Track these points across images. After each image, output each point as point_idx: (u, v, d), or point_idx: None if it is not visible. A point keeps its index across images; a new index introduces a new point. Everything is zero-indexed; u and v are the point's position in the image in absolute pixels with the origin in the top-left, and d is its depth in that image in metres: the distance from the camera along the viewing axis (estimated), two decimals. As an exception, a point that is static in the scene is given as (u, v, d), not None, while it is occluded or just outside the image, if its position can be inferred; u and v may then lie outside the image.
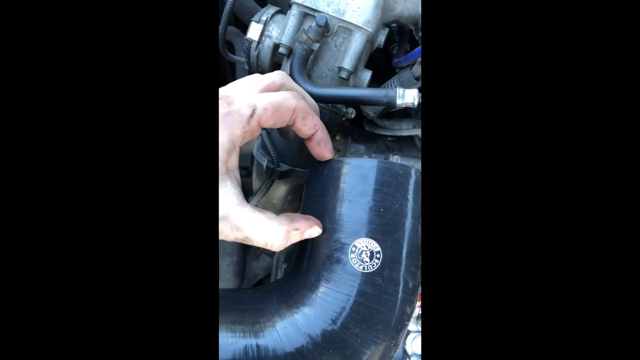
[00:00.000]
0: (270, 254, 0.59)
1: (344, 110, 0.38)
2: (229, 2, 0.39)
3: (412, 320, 0.44)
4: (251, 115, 0.24)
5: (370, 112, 0.44)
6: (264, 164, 0.38)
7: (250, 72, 0.40)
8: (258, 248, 0.62)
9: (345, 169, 0.27)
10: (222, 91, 0.26)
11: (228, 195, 0.23)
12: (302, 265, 0.27)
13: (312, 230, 0.26)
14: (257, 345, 0.24)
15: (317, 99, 0.32)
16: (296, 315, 0.25)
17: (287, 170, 0.38)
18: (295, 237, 0.25)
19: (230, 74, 0.63)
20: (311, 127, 0.26)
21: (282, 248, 0.25)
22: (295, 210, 0.46)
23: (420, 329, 0.42)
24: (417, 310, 0.42)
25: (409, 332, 0.43)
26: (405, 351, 0.44)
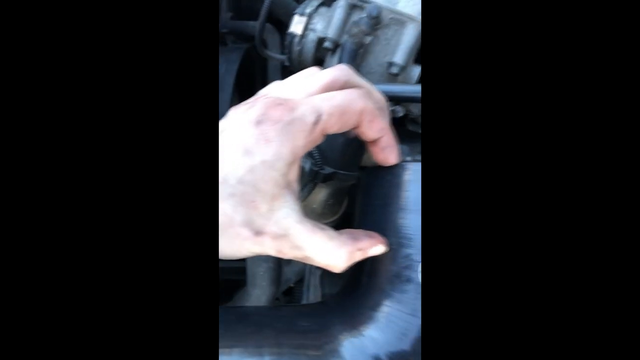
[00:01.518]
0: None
1: (392, 108, 0.36)
2: None
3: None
4: (315, 123, 0.20)
5: (415, 110, 0.41)
6: (307, 166, 0.35)
7: (292, 68, 0.38)
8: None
9: (411, 175, 0.24)
10: (280, 93, 0.23)
11: (288, 211, 0.20)
12: (361, 281, 0.24)
13: (376, 249, 0.23)
14: None
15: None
16: (362, 337, 0.22)
17: (331, 173, 0.36)
18: (359, 257, 0.22)
19: (259, 72, 0.61)
20: (378, 130, 0.23)
21: (344, 270, 0.22)
22: (334, 214, 0.44)
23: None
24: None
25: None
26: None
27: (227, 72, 0.49)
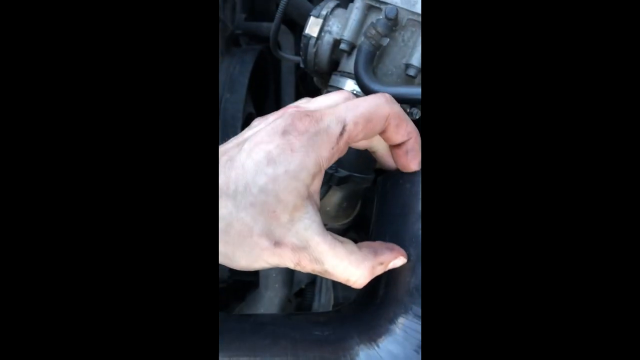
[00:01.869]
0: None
1: (408, 110, 0.35)
2: (283, 0, 0.36)
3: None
4: (341, 134, 0.20)
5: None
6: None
7: (307, 70, 0.37)
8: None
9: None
10: (307, 106, 0.22)
11: (309, 222, 0.20)
12: (378, 291, 0.23)
13: (397, 261, 0.22)
14: None
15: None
16: (381, 351, 0.21)
17: (346, 175, 0.35)
18: (379, 272, 0.22)
19: (272, 72, 0.61)
20: (404, 134, 0.22)
21: (364, 284, 0.21)
22: (347, 216, 0.43)
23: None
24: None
25: None
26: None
27: (241, 74, 0.49)
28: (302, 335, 0.22)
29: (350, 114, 0.20)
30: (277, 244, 0.19)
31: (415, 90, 0.29)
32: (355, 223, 0.50)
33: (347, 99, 0.23)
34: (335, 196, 0.39)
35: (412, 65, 0.32)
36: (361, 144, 0.25)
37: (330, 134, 0.20)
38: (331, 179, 0.34)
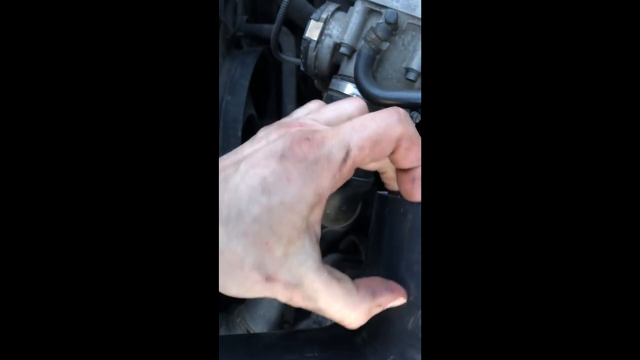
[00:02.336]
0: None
1: (409, 113, 0.35)
2: (284, 2, 0.36)
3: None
4: (344, 161, 0.18)
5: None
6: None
7: (307, 73, 0.38)
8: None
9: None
10: (312, 122, 0.20)
11: (304, 258, 0.18)
12: (381, 328, 0.22)
13: (395, 302, 0.21)
14: None
15: (387, 103, 0.29)
16: None
17: (345, 179, 0.35)
18: (376, 312, 0.21)
19: (274, 74, 0.61)
20: (414, 160, 0.20)
21: (360, 326, 0.20)
22: (347, 219, 0.43)
23: None
24: None
25: None
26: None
27: (242, 76, 0.49)
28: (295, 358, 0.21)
29: (356, 136, 0.18)
30: (269, 278, 0.18)
31: (415, 95, 0.29)
32: (355, 225, 0.50)
33: (359, 110, 0.22)
34: (335, 199, 0.39)
35: (412, 69, 0.32)
36: (369, 166, 0.24)
37: (331, 160, 0.18)
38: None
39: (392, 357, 0.21)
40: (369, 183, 0.38)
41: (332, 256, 0.54)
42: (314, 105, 0.23)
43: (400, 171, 0.22)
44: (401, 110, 0.20)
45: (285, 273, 0.18)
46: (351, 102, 0.22)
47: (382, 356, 0.22)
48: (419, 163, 0.21)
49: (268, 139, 0.20)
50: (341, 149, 0.18)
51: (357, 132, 0.19)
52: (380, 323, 0.22)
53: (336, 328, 0.25)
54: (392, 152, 0.20)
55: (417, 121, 0.35)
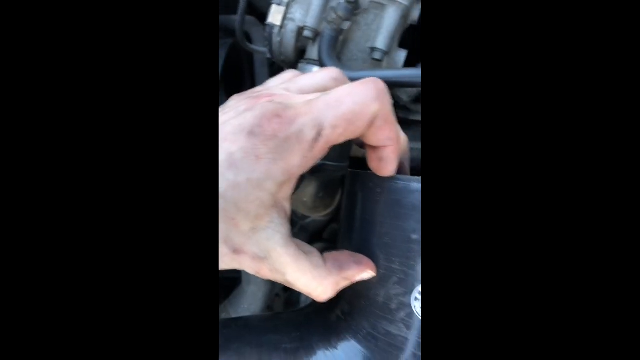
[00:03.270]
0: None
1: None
2: None
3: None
4: (315, 139, 0.18)
5: (403, 96, 0.39)
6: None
7: (274, 61, 0.37)
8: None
9: (408, 194, 0.20)
10: (284, 94, 0.20)
11: (272, 232, 0.18)
12: (343, 295, 0.22)
13: (364, 275, 0.21)
14: None
15: (352, 84, 0.29)
16: (338, 354, 0.21)
17: (318, 164, 0.35)
18: (344, 286, 0.20)
19: (247, 65, 0.60)
20: (383, 139, 0.20)
21: (328, 299, 0.20)
22: (327, 207, 0.43)
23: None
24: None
25: None
26: None
27: (213, 68, 0.48)
28: (268, 341, 0.21)
29: (330, 114, 0.18)
30: (236, 251, 0.18)
31: (381, 73, 0.29)
32: (338, 213, 0.50)
33: (336, 81, 0.21)
34: (311, 186, 0.38)
35: (377, 48, 0.31)
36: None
37: (302, 139, 0.17)
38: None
39: (364, 330, 0.21)
40: (344, 168, 0.38)
41: (316, 245, 0.54)
42: (288, 75, 0.23)
43: (370, 147, 0.21)
44: (380, 83, 0.19)
45: (253, 246, 0.18)
46: (328, 71, 0.21)
47: (355, 330, 0.22)
48: (389, 144, 0.20)
49: (237, 110, 0.19)
50: (313, 127, 0.18)
51: (332, 109, 0.18)
52: (353, 298, 0.22)
53: (312, 308, 0.25)
54: (368, 132, 0.19)
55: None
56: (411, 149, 0.26)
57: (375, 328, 0.21)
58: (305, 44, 0.34)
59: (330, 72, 0.21)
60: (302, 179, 0.36)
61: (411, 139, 0.45)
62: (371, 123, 0.19)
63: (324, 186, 0.39)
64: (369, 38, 0.32)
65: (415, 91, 0.38)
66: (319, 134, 0.18)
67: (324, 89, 0.20)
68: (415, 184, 0.20)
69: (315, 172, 0.35)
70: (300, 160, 0.18)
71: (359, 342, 0.21)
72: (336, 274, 0.20)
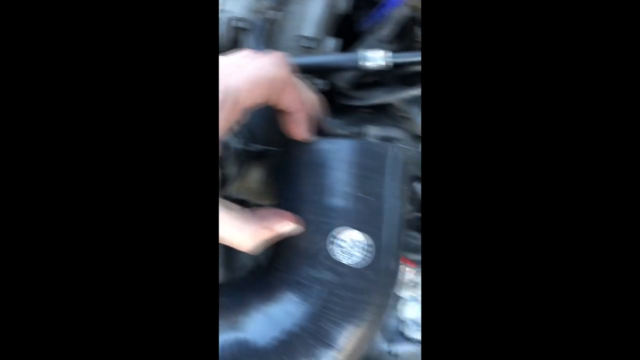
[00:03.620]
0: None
1: (313, 82, 0.36)
2: None
3: (404, 286, 0.43)
4: (224, 101, 0.20)
5: (341, 83, 0.42)
6: (236, 145, 0.36)
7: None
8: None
9: (324, 153, 0.23)
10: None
11: None
12: (280, 255, 0.25)
13: (286, 227, 0.23)
14: (238, 340, 0.22)
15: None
16: (277, 310, 0.22)
17: (261, 149, 0.36)
18: (268, 236, 0.22)
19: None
20: (290, 102, 0.22)
21: (253, 249, 0.22)
22: (276, 192, 0.44)
23: (413, 294, 0.42)
24: (412, 278, 0.42)
25: (402, 299, 0.43)
26: (399, 318, 0.44)
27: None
28: None
29: (233, 79, 0.20)
30: None
31: (309, 60, 0.31)
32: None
33: (246, 57, 0.22)
34: (255, 172, 0.40)
35: (306, 36, 0.33)
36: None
37: (222, 103, 0.19)
38: (245, 153, 0.35)
39: (293, 280, 0.23)
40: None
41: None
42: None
43: (284, 114, 0.24)
44: (279, 54, 0.21)
45: None
46: (242, 53, 0.22)
47: (286, 282, 0.24)
48: (296, 107, 0.22)
49: None
50: (221, 91, 0.20)
51: (236, 74, 0.20)
52: (284, 253, 0.24)
53: (253, 272, 0.27)
54: (273, 95, 0.22)
55: (326, 88, 0.37)
56: (352, 134, 0.28)
57: (301, 275, 0.23)
58: (239, 35, 0.35)
59: (244, 52, 0.23)
60: (247, 165, 0.37)
61: (352, 123, 0.48)
62: (274, 86, 0.21)
63: (270, 171, 0.40)
64: (298, 27, 0.33)
65: (351, 77, 0.41)
66: (225, 96, 0.20)
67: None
68: (325, 144, 0.23)
69: (259, 157, 0.36)
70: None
71: (291, 291, 0.23)
72: (257, 223, 0.22)
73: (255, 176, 0.40)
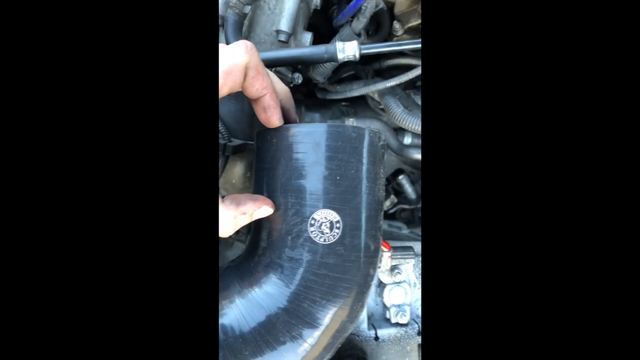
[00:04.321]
0: (243, 240, 0.57)
1: (290, 76, 0.37)
2: None
3: (387, 273, 0.44)
4: None
5: (318, 77, 0.42)
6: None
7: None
8: (230, 236, 0.60)
9: (296, 137, 0.24)
10: None
11: None
12: (260, 241, 0.25)
13: (261, 211, 0.23)
14: (222, 326, 0.22)
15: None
16: (258, 293, 0.23)
17: (241, 144, 0.36)
18: (244, 221, 0.22)
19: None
20: (259, 88, 0.23)
21: (230, 234, 0.22)
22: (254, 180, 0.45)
23: (395, 280, 0.43)
24: (390, 263, 0.42)
25: (385, 285, 0.44)
26: (384, 304, 0.45)
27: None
28: None
29: None
30: None
31: (284, 52, 0.31)
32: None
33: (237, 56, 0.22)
34: (237, 167, 0.40)
35: (282, 30, 0.33)
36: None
37: None
38: (225, 148, 0.35)
39: (274, 263, 0.24)
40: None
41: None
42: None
43: (254, 102, 0.24)
44: (248, 42, 0.22)
45: None
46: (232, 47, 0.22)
47: (268, 265, 0.24)
48: (265, 92, 0.23)
49: None
50: None
51: None
52: (265, 239, 0.25)
53: (237, 261, 0.27)
54: (245, 82, 0.22)
55: (299, 81, 0.37)
56: (338, 125, 0.29)
57: (282, 257, 0.24)
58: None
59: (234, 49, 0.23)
60: (226, 160, 0.37)
61: (332, 117, 0.48)
62: (245, 73, 0.22)
63: (251, 166, 0.41)
64: (274, 21, 0.34)
65: (328, 72, 0.42)
66: None
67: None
68: (298, 127, 0.24)
69: (238, 151, 0.37)
70: None
71: (272, 274, 0.24)
72: (233, 209, 0.22)
73: (236, 171, 0.40)
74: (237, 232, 0.59)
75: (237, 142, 0.36)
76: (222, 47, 0.21)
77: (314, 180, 0.23)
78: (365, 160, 0.24)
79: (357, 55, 0.30)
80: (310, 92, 0.48)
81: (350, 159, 0.24)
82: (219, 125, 0.35)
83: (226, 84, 0.21)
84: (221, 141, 0.35)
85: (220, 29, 0.34)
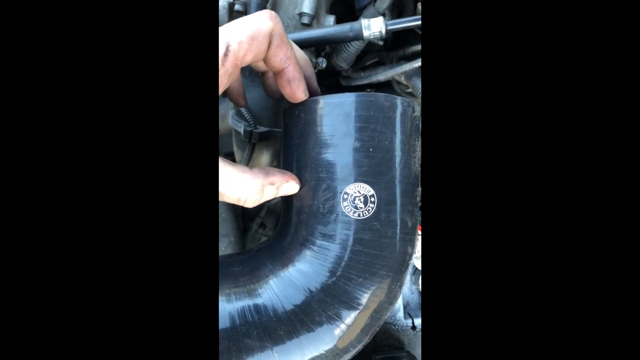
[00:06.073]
0: (268, 235, 0.57)
1: (314, 60, 0.36)
2: None
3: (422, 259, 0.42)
4: (225, 54, 0.19)
5: (342, 63, 0.41)
6: (241, 130, 0.36)
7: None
8: (257, 230, 0.60)
9: (324, 109, 0.22)
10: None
11: None
12: (292, 220, 0.24)
13: (288, 185, 0.22)
14: (255, 306, 0.21)
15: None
16: (292, 272, 0.22)
17: (267, 131, 0.36)
18: (270, 193, 0.21)
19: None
20: (283, 58, 0.22)
21: (256, 204, 0.21)
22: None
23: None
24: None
25: (420, 272, 0.42)
26: (420, 292, 0.42)
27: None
28: (220, 272, 0.22)
29: (232, 33, 0.20)
30: None
31: (309, 33, 0.31)
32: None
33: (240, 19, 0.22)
34: (264, 156, 0.39)
35: (305, 13, 0.33)
36: (261, 65, 0.25)
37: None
38: (252, 136, 0.35)
39: (307, 240, 0.22)
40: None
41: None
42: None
43: (277, 77, 0.23)
44: (272, 12, 0.21)
45: None
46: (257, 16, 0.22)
47: (300, 243, 0.23)
48: (288, 62, 0.22)
49: None
50: (222, 45, 0.19)
51: (235, 29, 0.20)
52: (297, 217, 0.23)
53: (267, 242, 0.26)
54: (269, 50, 0.21)
55: (324, 66, 0.36)
56: (369, 94, 0.28)
57: (314, 234, 0.22)
58: (238, 18, 0.35)
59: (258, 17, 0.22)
60: (252, 147, 0.37)
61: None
62: (270, 41, 0.21)
63: (277, 154, 0.40)
64: (296, 5, 0.33)
65: (352, 58, 0.40)
66: (227, 50, 0.20)
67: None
68: (325, 100, 0.22)
69: (264, 138, 0.36)
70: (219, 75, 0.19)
71: (307, 251, 0.22)
72: (261, 178, 0.21)
73: (262, 160, 0.40)
74: (264, 227, 0.59)
75: (262, 129, 0.35)
76: (245, 17, 0.21)
77: (345, 153, 0.22)
78: (399, 131, 0.23)
79: (384, 32, 0.29)
80: (333, 85, 0.47)
81: (383, 129, 0.22)
82: (245, 112, 0.34)
83: (250, 50, 0.20)
84: (247, 128, 0.34)
85: (243, 15, 0.34)
